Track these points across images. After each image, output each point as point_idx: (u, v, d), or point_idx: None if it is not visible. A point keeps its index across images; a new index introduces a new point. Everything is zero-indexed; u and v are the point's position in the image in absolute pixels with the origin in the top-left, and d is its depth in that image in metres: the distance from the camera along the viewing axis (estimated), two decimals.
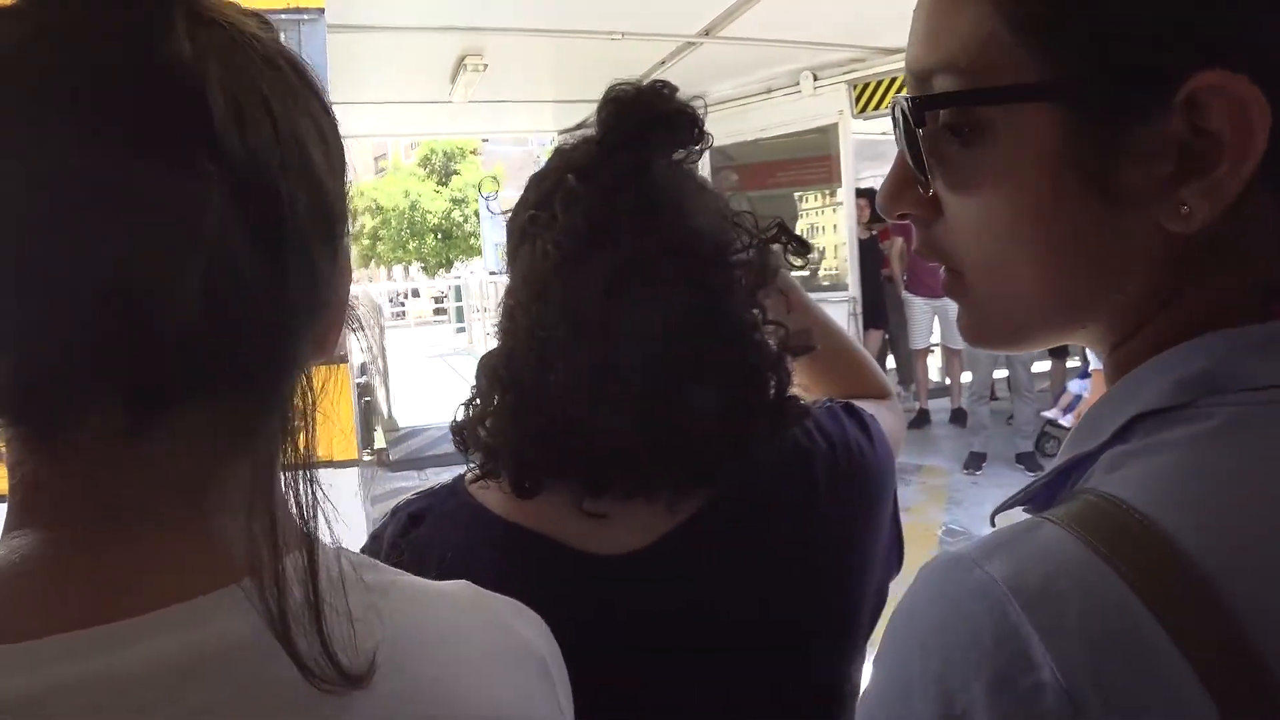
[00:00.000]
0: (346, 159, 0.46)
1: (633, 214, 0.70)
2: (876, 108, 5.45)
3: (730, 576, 0.71)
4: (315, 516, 0.42)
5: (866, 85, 5.48)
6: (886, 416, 0.89)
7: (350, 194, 0.47)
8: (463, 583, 0.50)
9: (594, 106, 0.76)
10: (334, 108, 0.45)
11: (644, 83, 0.75)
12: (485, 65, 4.72)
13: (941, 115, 0.44)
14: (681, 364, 0.69)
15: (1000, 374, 5.96)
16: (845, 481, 0.76)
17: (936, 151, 0.45)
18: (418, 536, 0.75)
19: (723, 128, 6.16)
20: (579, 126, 0.77)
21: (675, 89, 0.75)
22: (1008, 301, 0.46)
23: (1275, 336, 0.38)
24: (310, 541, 0.41)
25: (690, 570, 0.71)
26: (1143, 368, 0.42)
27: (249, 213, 0.38)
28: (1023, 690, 0.31)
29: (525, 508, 0.73)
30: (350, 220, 0.47)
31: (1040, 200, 0.41)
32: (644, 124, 0.73)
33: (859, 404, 0.86)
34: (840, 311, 5.88)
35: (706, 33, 4.58)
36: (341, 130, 0.45)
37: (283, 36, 0.44)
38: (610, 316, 0.68)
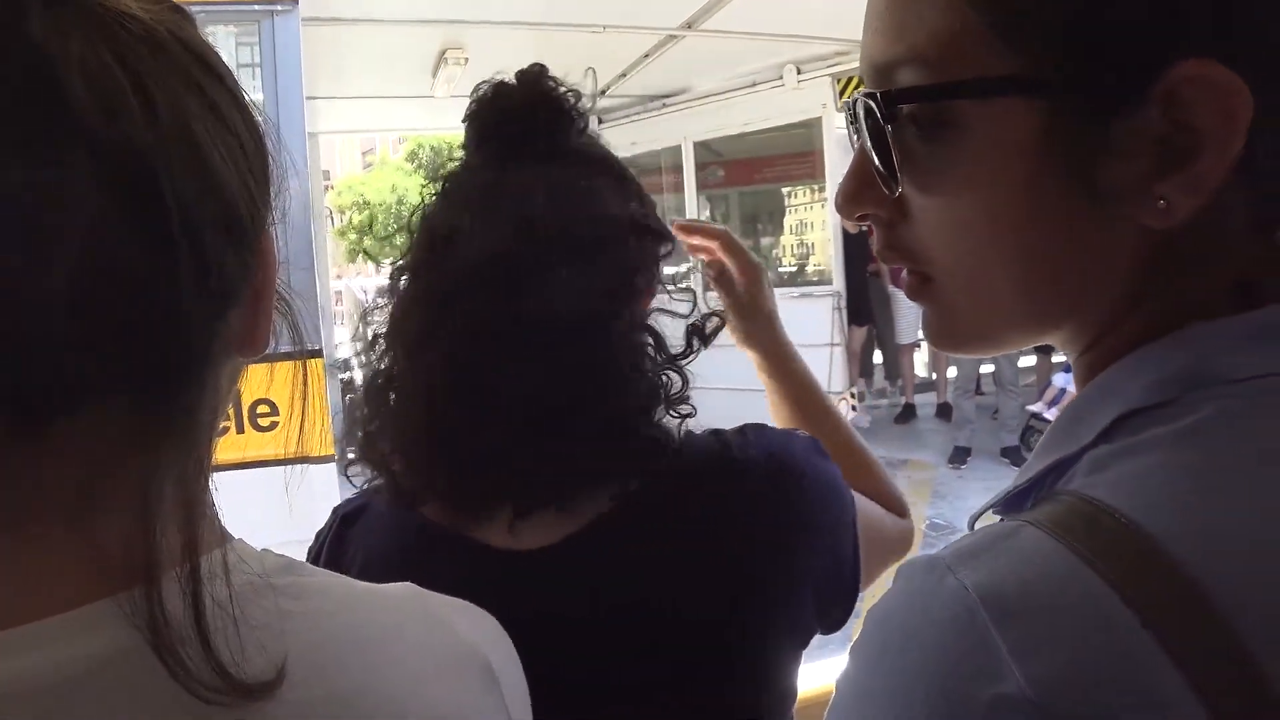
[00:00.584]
0: (268, 145, 0.43)
1: (472, 223, 0.69)
2: None
3: (636, 580, 0.68)
4: (200, 522, 0.39)
5: (850, 79, 5.48)
6: (887, 521, 0.81)
7: (278, 181, 0.44)
8: (404, 584, 0.48)
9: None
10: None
11: (498, 78, 0.73)
12: (466, 59, 4.69)
13: (907, 110, 0.41)
14: (496, 377, 0.66)
15: (986, 369, 5.99)
16: (779, 494, 0.71)
17: (904, 149, 0.42)
18: (350, 535, 0.75)
19: (706, 122, 6.17)
20: None
21: (540, 76, 0.73)
22: (979, 304, 0.44)
23: (1255, 328, 0.38)
24: (193, 549, 0.38)
25: (593, 573, 0.68)
26: (1120, 366, 0.41)
27: (125, 203, 0.35)
28: (982, 703, 0.30)
29: (438, 504, 0.72)
30: (271, 210, 0.43)
31: (1018, 199, 0.40)
32: (502, 120, 0.72)
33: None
34: (825, 306, 5.89)
35: (689, 25, 4.57)
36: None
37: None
38: (431, 331, 0.68)
